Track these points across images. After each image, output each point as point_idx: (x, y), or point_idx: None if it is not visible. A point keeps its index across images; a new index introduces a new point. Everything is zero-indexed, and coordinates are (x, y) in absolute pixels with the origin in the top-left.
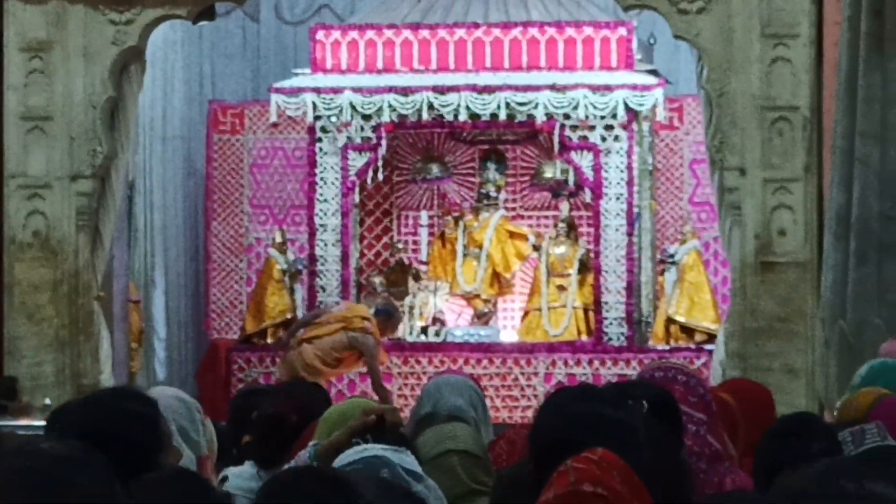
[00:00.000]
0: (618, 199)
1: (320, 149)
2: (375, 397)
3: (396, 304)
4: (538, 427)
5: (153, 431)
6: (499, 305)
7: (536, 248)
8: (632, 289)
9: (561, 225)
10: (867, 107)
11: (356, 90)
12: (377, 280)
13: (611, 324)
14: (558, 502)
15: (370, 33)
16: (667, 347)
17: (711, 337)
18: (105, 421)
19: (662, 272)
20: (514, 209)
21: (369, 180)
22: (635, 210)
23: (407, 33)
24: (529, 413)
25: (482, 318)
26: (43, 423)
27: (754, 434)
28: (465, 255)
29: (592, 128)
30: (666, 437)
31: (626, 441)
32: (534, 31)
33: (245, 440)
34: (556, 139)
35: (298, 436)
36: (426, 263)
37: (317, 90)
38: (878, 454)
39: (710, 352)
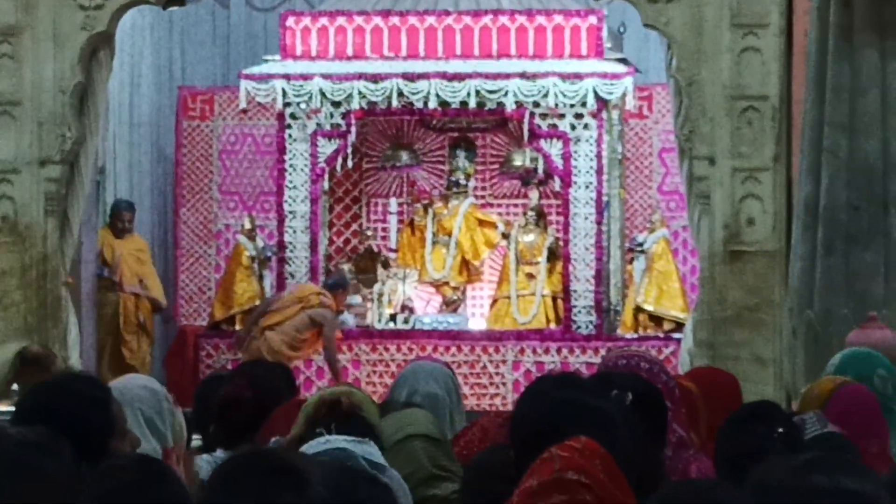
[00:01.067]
0: (587, 187)
1: (290, 135)
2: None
3: (344, 273)
4: (521, 414)
5: (103, 415)
6: (468, 293)
7: (505, 235)
8: (600, 277)
9: (530, 213)
10: (836, 97)
11: (326, 77)
12: (346, 267)
13: (579, 312)
14: (541, 489)
15: (340, 20)
16: (635, 336)
17: (680, 326)
18: (54, 405)
19: (631, 261)
20: (483, 197)
21: (339, 167)
22: (604, 198)
23: (377, 20)
24: (498, 401)
25: (451, 305)
26: (12, 408)
27: (716, 421)
28: (434, 243)
29: (562, 116)
30: (647, 430)
31: (608, 431)
32: (504, 20)
33: (212, 428)
34: (525, 127)
35: (262, 414)
36: (395, 251)
37: (286, 77)
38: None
39: (679, 340)
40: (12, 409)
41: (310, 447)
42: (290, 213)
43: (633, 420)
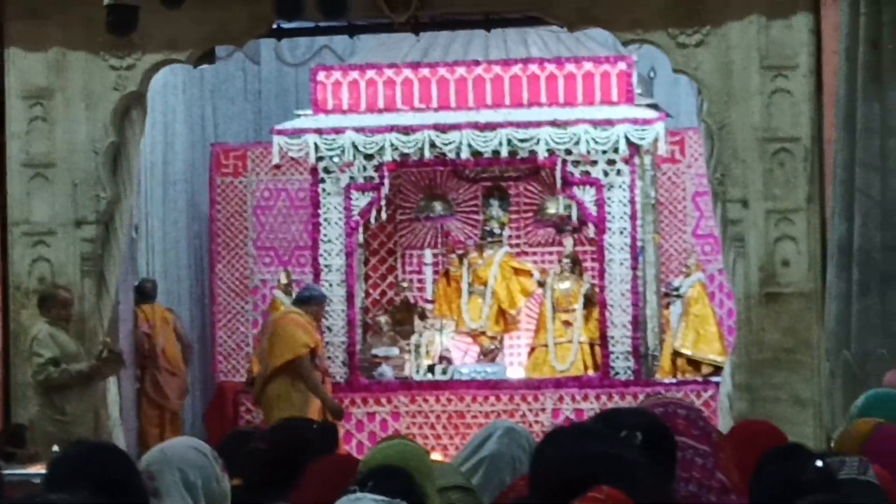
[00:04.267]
0: (621, 233)
1: (323, 189)
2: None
3: (313, 285)
4: (539, 469)
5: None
6: (505, 342)
7: (541, 283)
8: (637, 323)
9: (565, 260)
10: (866, 137)
11: (358, 130)
12: (383, 319)
13: (617, 358)
14: None
15: (370, 73)
16: (674, 381)
17: (718, 369)
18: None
19: (668, 305)
20: (518, 245)
21: (373, 220)
22: (639, 244)
23: (407, 72)
24: None
25: (488, 355)
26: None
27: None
28: (470, 293)
29: (594, 163)
30: (661, 469)
31: (628, 478)
32: (534, 68)
33: (234, 482)
34: (558, 175)
35: (291, 470)
36: (431, 302)
37: (318, 131)
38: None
39: (717, 384)
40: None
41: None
42: (326, 266)
43: (647, 461)
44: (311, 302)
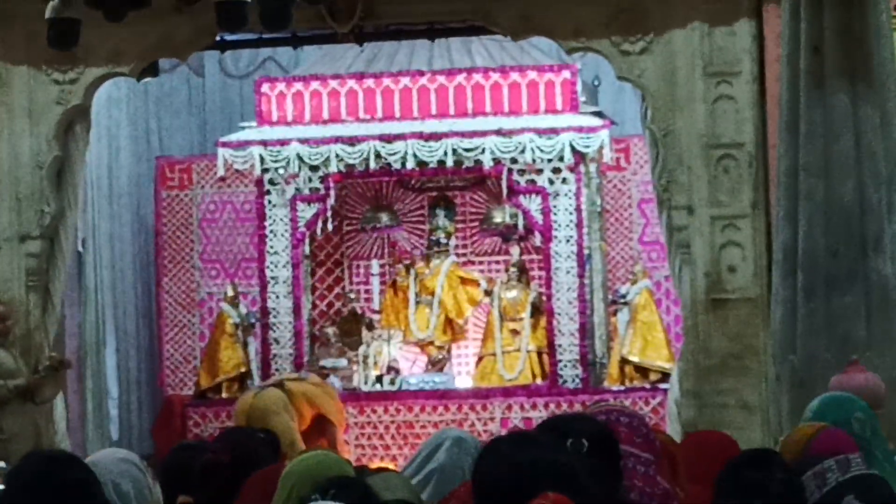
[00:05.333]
0: (568, 241)
1: (269, 201)
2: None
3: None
4: (482, 478)
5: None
6: (453, 352)
7: (488, 293)
8: (585, 330)
9: (512, 269)
10: (809, 142)
11: (303, 141)
12: (330, 331)
13: (565, 366)
14: None
15: (315, 84)
16: (622, 388)
17: (666, 376)
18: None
19: (615, 313)
20: (464, 255)
21: (319, 231)
22: (585, 252)
23: (351, 83)
24: None
25: (436, 364)
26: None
27: (698, 473)
28: (417, 303)
29: (540, 171)
30: (606, 474)
31: (574, 484)
32: (478, 77)
33: (181, 500)
34: (504, 184)
35: (238, 481)
36: (379, 312)
37: (263, 143)
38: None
39: (665, 391)
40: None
41: None
42: (273, 278)
43: (593, 466)
44: None
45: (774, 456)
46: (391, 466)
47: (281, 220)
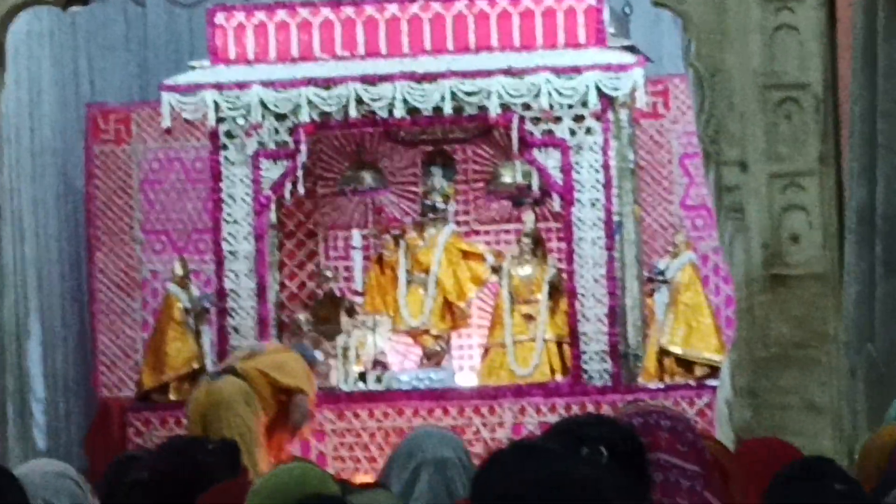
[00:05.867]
0: (593, 205)
1: (226, 158)
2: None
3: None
4: (484, 498)
5: None
6: (453, 342)
7: (496, 269)
8: (615, 315)
9: (525, 240)
10: (890, 81)
11: (267, 84)
12: (302, 317)
13: (591, 359)
14: None
15: (281, 14)
16: (660, 385)
17: (715, 370)
18: None
19: (652, 293)
20: (467, 223)
21: (287, 195)
22: (615, 218)
23: (327, 12)
24: None
25: (433, 358)
26: None
27: (753, 488)
28: (408, 283)
29: (559, 120)
30: (631, 490)
31: (592, 501)
32: (483, 5)
33: None
34: (514, 135)
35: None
36: (361, 294)
37: (218, 86)
38: None
39: (714, 388)
40: None
41: None
42: (231, 253)
43: (615, 480)
44: None
45: (831, 465)
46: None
47: (241, 181)
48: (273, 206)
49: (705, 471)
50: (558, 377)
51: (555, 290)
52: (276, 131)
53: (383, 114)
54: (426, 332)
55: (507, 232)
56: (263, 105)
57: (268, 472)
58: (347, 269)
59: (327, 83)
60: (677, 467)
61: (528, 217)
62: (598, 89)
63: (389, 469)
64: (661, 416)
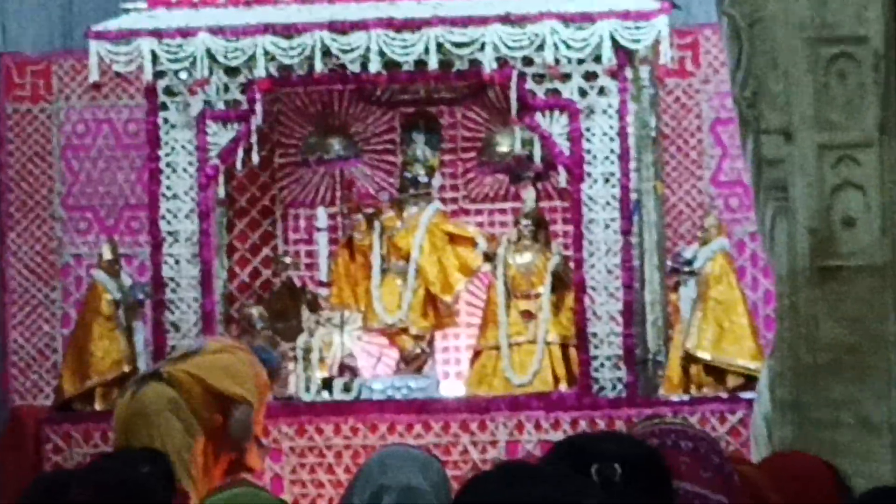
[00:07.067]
0: (607, 181)
1: (165, 119)
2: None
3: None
4: None
5: None
6: (436, 344)
7: (489, 257)
8: (632, 313)
9: (525, 222)
10: None
11: (215, 31)
12: (256, 312)
13: (602, 365)
14: None
15: None
16: (686, 398)
17: (751, 380)
18: None
19: (676, 287)
20: (455, 201)
21: (239, 164)
22: (633, 196)
23: None
24: None
25: (412, 362)
26: None
27: None
28: (384, 271)
29: (567, 77)
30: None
31: None
32: None
33: None
34: (513, 95)
35: None
36: (327, 285)
37: (157, 33)
38: None
39: (751, 402)
40: None
41: None
42: (170, 234)
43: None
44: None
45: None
46: None
47: (183, 147)
48: (221, 179)
49: (733, 500)
50: (562, 387)
51: (559, 283)
52: (227, 88)
53: (355, 68)
54: (404, 331)
55: (502, 212)
56: (211, 56)
57: (206, 500)
58: (310, 254)
59: (288, 31)
60: (700, 496)
61: (529, 194)
62: (614, 41)
63: (349, 497)
64: (681, 436)
